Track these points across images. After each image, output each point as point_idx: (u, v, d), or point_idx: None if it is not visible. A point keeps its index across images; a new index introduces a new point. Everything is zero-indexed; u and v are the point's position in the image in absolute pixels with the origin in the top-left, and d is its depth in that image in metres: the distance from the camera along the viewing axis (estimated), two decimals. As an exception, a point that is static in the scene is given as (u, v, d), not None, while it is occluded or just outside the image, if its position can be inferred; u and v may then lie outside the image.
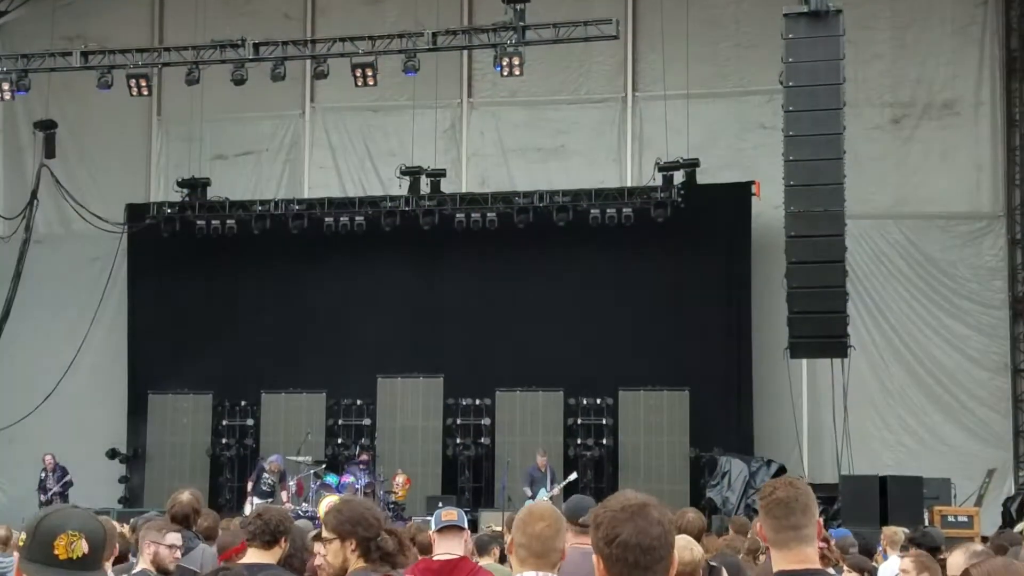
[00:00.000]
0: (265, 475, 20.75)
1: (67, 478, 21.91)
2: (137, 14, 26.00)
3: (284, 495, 20.40)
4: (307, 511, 19.96)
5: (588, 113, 24.60)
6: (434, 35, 21.10)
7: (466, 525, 6.21)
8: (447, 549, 6.05)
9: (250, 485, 20.84)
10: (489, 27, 21.04)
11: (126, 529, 9.92)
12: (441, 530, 6.09)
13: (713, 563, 6.91)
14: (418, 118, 23.83)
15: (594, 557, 3.41)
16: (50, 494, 21.55)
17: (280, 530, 6.11)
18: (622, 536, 3.32)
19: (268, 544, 6.06)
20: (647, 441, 22.53)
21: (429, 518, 11.32)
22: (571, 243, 23.05)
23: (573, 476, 20.67)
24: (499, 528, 12.06)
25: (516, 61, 20.57)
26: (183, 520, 7.64)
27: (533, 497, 19.17)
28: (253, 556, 6.03)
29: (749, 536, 10.63)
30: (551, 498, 19.46)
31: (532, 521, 4.62)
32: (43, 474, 21.79)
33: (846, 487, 18.77)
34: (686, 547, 6.15)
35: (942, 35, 23.30)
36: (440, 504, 19.30)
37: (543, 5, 21.30)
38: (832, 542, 7.60)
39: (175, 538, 6.72)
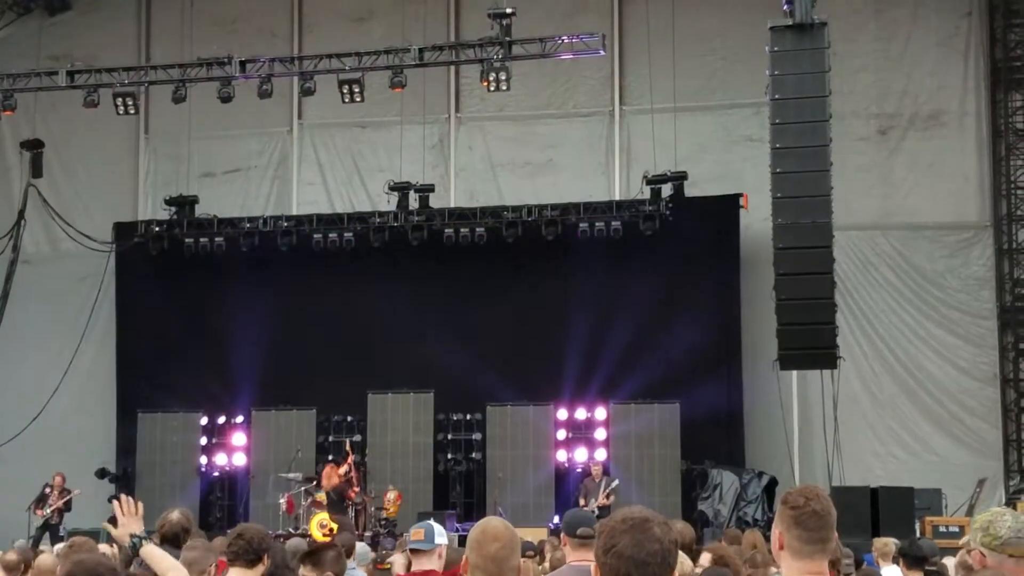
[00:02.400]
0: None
1: (69, 498, 21.77)
2: (123, 33, 25.99)
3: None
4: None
5: (576, 127, 24.64)
6: (421, 51, 21.13)
7: (436, 542, 6.21)
8: (419, 566, 6.12)
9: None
10: (476, 42, 21.08)
11: (116, 549, 9.88)
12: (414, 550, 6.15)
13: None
14: (406, 133, 23.86)
15: (592, 566, 3.42)
16: (50, 509, 21.42)
17: (262, 548, 6.17)
18: (618, 547, 3.34)
19: (251, 563, 6.11)
20: (638, 454, 22.51)
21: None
22: (560, 257, 23.08)
23: (616, 483, 20.54)
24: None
25: (503, 76, 20.61)
26: (173, 539, 7.62)
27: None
28: None
29: (748, 547, 10.62)
30: (600, 507, 19.41)
31: (487, 542, 4.60)
32: (47, 489, 21.67)
33: (837, 498, 18.25)
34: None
35: (927, 47, 23.39)
36: (431, 519, 19.28)
37: (529, 20, 21.35)
38: None
39: None
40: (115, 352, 25.06)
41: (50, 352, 24.73)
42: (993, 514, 4.99)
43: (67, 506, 21.67)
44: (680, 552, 6.66)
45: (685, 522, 8.60)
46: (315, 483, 20.96)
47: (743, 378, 22.40)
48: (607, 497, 20.06)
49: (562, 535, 6.54)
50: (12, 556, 8.93)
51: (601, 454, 22.47)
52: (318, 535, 18.79)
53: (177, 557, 7.36)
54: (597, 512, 18.82)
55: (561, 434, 22.95)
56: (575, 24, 22.28)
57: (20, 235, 25.02)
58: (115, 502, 6.40)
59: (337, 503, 20.74)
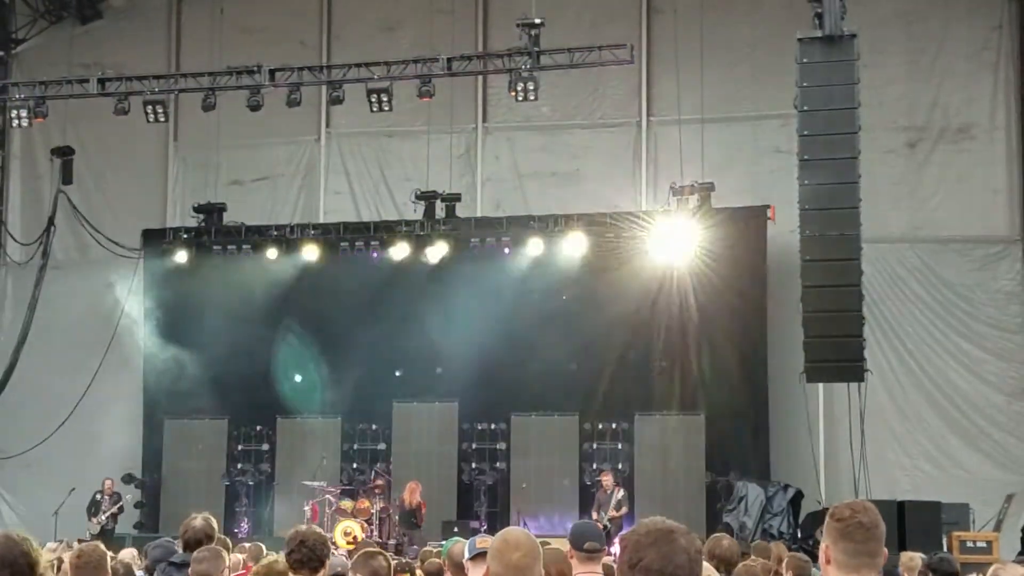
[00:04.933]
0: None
1: (120, 503, 22.12)
2: (154, 41, 26.16)
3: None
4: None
5: (603, 137, 24.62)
6: (449, 60, 21.15)
7: None
8: (478, 572, 6.02)
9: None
10: (504, 52, 21.08)
11: (138, 556, 9.91)
12: (474, 557, 6.03)
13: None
14: (433, 143, 23.88)
15: None
16: (105, 516, 21.72)
17: (325, 554, 6.21)
18: (645, 560, 3.31)
19: (315, 570, 6.14)
20: (663, 466, 22.45)
21: (443, 543, 11.30)
22: (586, 268, 23.02)
23: (623, 493, 20.54)
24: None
25: (531, 86, 20.58)
26: (196, 545, 7.64)
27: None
28: None
29: (774, 560, 10.57)
30: (610, 520, 19.40)
31: (508, 550, 4.59)
32: (98, 496, 22.01)
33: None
34: (705, 574, 6.10)
35: (957, 59, 23.27)
36: (455, 530, 19.28)
37: (558, 30, 21.34)
38: None
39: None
40: (142, 359, 25.15)
41: (78, 358, 24.84)
42: None
43: (120, 510, 22.00)
44: (708, 566, 6.63)
45: (730, 538, 8.52)
46: (397, 497, 21.11)
47: (769, 390, 22.28)
48: (616, 509, 20.04)
49: (568, 548, 6.50)
50: None
51: (618, 467, 22.46)
52: (342, 543, 18.89)
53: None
54: (608, 525, 18.84)
55: (586, 445, 22.89)
56: (603, 34, 22.24)
57: (50, 241, 25.20)
58: None
59: (410, 519, 20.81)
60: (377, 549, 7.23)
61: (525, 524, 19.78)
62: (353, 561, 7.05)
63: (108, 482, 22.20)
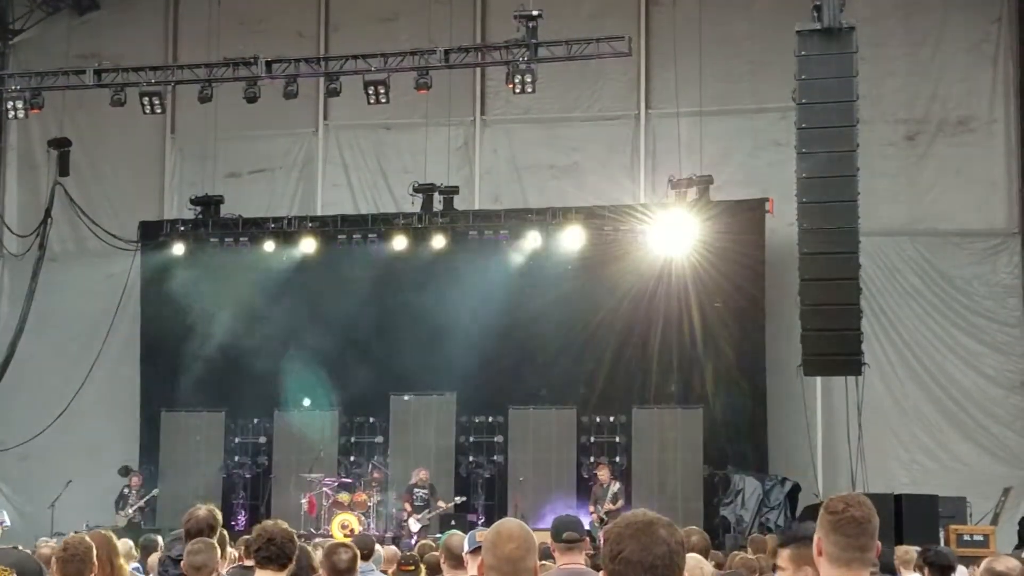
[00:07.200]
0: (416, 490, 20.85)
1: (150, 495, 22.16)
2: (151, 32, 26.10)
3: (441, 504, 20.75)
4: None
5: (601, 130, 24.57)
6: (447, 52, 21.12)
7: None
8: (476, 571, 6.00)
9: (407, 506, 20.86)
10: (502, 44, 21.06)
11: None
12: (474, 551, 6.02)
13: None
14: (431, 135, 23.86)
15: (601, 574, 3.40)
16: (133, 509, 21.76)
17: (292, 550, 6.21)
18: (624, 553, 3.32)
19: (282, 566, 6.14)
20: (661, 459, 22.44)
21: (440, 536, 11.29)
22: (583, 260, 23.00)
23: (618, 486, 20.59)
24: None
25: (529, 78, 20.57)
26: (198, 535, 7.65)
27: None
28: None
29: (769, 553, 10.56)
30: (607, 513, 19.46)
31: (501, 542, 4.58)
32: (126, 490, 22.07)
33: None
34: (696, 566, 6.11)
35: (956, 52, 23.24)
36: (452, 523, 19.26)
37: (556, 22, 21.32)
38: None
39: None
40: (139, 351, 25.13)
41: (75, 351, 24.83)
42: None
43: (148, 504, 22.02)
44: (701, 558, 6.64)
45: (701, 531, 8.55)
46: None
47: (767, 383, 22.28)
48: (613, 503, 20.08)
49: (551, 541, 6.53)
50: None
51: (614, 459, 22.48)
52: (339, 536, 18.90)
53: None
54: (605, 519, 18.90)
55: (583, 438, 22.88)
56: (601, 27, 22.20)
57: (47, 233, 25.17)
58: None
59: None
60: (341, 542, 7.22)
61: (523, 517, 19.74)
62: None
63: (136, 478, 22.30)
